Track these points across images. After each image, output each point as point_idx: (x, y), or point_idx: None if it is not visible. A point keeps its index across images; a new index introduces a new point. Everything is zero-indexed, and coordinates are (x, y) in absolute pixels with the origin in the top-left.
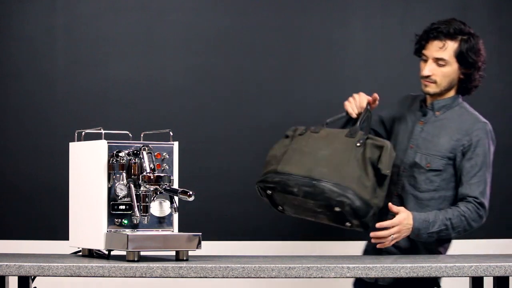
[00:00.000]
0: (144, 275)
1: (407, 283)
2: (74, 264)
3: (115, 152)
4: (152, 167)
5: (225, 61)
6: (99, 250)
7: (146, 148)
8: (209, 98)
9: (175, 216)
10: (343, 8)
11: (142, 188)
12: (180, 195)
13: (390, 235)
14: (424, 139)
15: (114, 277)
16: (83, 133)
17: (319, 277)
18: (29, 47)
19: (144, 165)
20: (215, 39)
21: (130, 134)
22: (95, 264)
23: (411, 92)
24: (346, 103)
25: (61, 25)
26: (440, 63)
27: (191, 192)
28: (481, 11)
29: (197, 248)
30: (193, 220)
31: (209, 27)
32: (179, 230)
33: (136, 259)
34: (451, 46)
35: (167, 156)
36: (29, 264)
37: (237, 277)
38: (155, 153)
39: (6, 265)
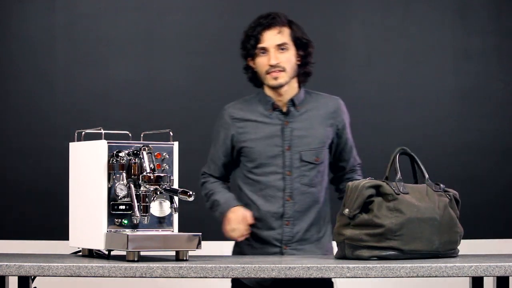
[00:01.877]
0: (144, 275)
1: (288, 283)
2: (74, 264)
3: (115, 152)
4: (152, 167)
5: (225, 61)
6: (99, 250)
7: (146, 148)
8: (209, 98)
9: (175, 216)
10: (343, 9)
11: (142, 188)
12: (180, 195)
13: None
14: (300, 137)
15: (114, 277)
16: (83, 133)
17: (319, 277)
18: (29, 47)
19: (144, 165)
20: (215, 39)
21: (130, 134)
22: (95, 264)
23: (410, 92)
24: None
25: (61, 25)
26: (282, 48)
27: (191, 192)
28: (481, 11)
29: (197, 248)
30: (193, 220)
31: (209, 27)
32: (179, 230)
33: (136, 259)
34: (286, 31)
35: (167, 156)
36: (29, 264)
37: (237, 277)
38: (155, 153)
39: (6, 265)
